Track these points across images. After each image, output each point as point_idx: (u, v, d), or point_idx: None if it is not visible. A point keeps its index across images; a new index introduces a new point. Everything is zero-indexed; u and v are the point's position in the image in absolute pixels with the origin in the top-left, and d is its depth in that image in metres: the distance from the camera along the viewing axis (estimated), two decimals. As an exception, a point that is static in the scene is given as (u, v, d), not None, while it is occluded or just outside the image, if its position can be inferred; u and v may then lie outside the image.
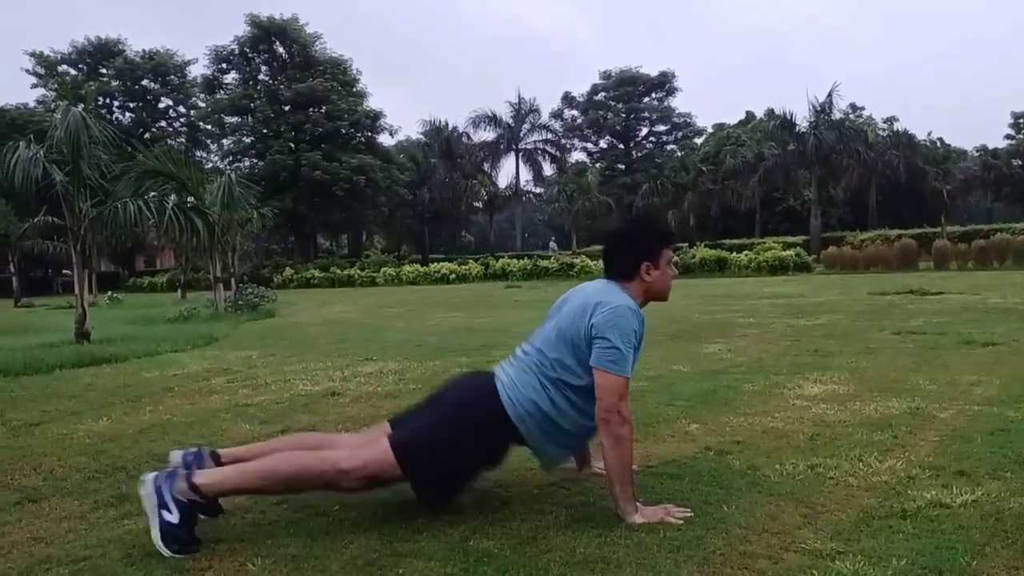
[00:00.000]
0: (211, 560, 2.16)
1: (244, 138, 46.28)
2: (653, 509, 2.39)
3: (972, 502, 2.41)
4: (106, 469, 3.22)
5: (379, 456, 2.40)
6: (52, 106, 34.58)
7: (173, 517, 2.23)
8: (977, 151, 54.41)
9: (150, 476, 2.32)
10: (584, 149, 58.08)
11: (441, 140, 51.20)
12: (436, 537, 2.29)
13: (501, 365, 2.66)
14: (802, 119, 40.01)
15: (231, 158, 46.34)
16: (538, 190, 57.47)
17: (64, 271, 38.47)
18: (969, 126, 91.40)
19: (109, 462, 3.33)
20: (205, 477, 2.34)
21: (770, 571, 1.97)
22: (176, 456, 2.55)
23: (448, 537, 2.28)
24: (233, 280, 17.04)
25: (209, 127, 48.43)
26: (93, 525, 2.52)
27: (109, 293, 27.71)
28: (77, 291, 9.41)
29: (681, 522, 2.32)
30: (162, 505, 2.24)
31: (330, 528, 2.40)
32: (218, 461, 2.55)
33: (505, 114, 51.86)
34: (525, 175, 54.46)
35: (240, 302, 15.38)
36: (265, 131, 44.24)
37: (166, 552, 2.17)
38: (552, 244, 40.79)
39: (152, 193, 10.77)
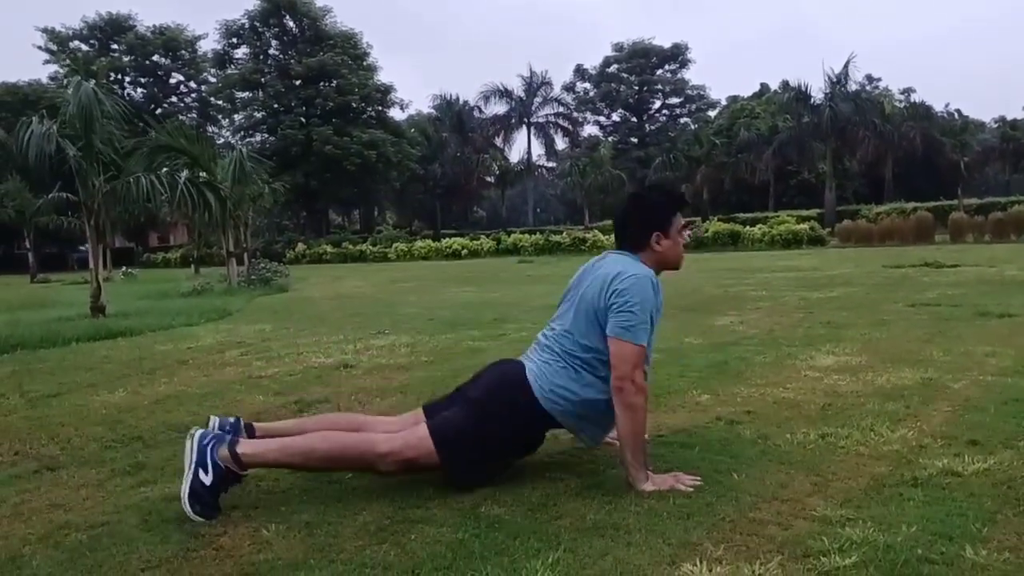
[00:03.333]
0: (226, 526, 2.18)
1: (255, 113, 46.32)
2: (663, 477, 2.39)
3: (984, 470, 2.40)
4: (122, 439, 3.26)
5: (416, 441, 2.39)
6: (64, 82, 34.61)
7: (207, 479, 2.25)
8: (995, 122, 53.68)
9: (199, 432, 2.34)
10: (597, 123, 57.82)
11: (452, 114, 51.01)
12: (447, 504, 2.31)
13: (528, 355, 2.63)
14: (817, 91, 39.66)
15: (242, 133, 46.44)
16: (550, 164, 57.32)
17: (79, 247, 38.72)
18: (988, 97, 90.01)
19: (125, 432, 3.37)
20: (248, 447, 2.35)
21: (779, 537, 1.98)
22: (214, 421, 2.57)
23: (459, 504, 2.30)
24: (246, 255, 17.13)
25: (220, 102, 48.47)
26: (110, 492, 2.55)
27: (123, 268, 27.91)
28: (92, 266, 9.48)
29: (691, 489, 2.32)
30: (201, 463, 2.26)
31: (343, 495, 2.43)
32: (251, 433, 2.57)
33: (517, 87, 51.66)
34: (537, 149, 54.35)
35: (253, 277, 15.47)
36: (276, 106, 44.22)
37: (189, 511, 2.20)
38: None
39: (164, 168, 10.80)
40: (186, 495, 2.22)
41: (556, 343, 2.54)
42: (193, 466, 2.26)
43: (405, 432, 2.46)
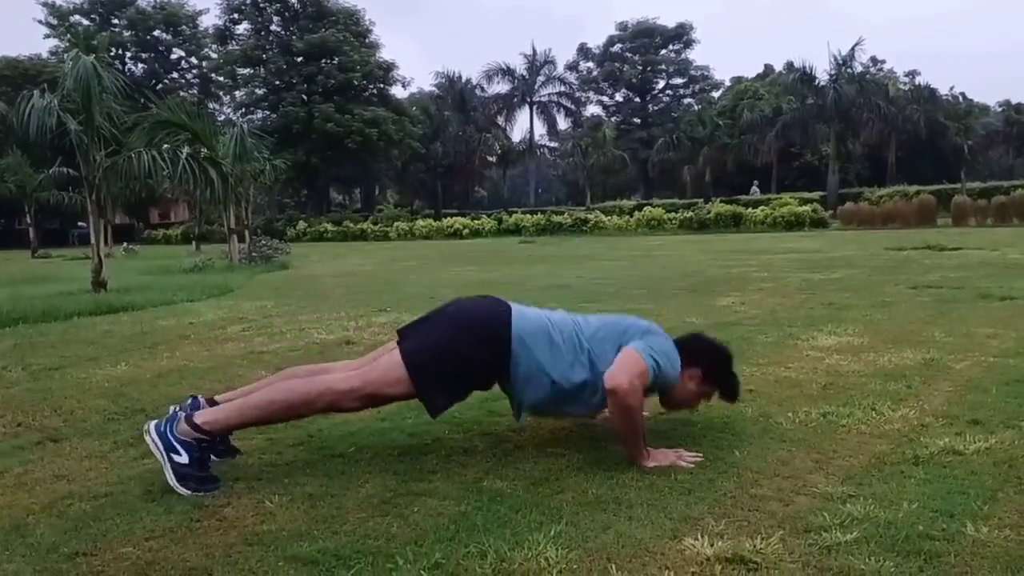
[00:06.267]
0: (229, 497, 2.20)
1: (256, 90, 45.94)
2: (665, 452, 2.40)
3: (985, 449, 2.41)
4: (125, 411, 3.27)
5: (383, 371, 2.39)
6: (64, 56, 34.40)
7: (183, 458, 2.26)
8: (1000, 106, 53.28)
9: (151, 424, 2.34)
10: (599, 102, 57.39)
11: (454, 93, 50.63)
12: (450, 477, 2.32)
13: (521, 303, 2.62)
14: (822, 72, 39.30)
15: (243, 110, 46.06)
16: (552, 144, 57.01)
17: (79, 223, 38.67)
18: (993, 81, 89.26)
19: (128, 405, 3.38)
20: (205, 415, 2.35)
21: (781, 513, 1.99)
22: (173, 408, 2.56)
23: (462, 477, 2.31)
24: (247, 232, 17.11)
25: (221, 79, 48.09)
26: (113, 464, 2.57)
27: (124, 244, 27.91)
28: (93, 241, 9.46)
29: (692, 466, 2.33)
30: (169, 448, 2.27)
31: (346, 468, 2.44)
32: (213, 405, 2.55)
33: (520, 66, 51.26)
34: (539, 129, 54.00)
35: (254, 254, 15.46)
36: (277, 83, 43.88)
37: (185, 492, 2.21)
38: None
39: (166, 145, 10.73)
40: (174, 480, 2.23)
41: (568, 326, 2.54)
42: (164, 453, 2.27)
43: (364, 368, 2.45)
